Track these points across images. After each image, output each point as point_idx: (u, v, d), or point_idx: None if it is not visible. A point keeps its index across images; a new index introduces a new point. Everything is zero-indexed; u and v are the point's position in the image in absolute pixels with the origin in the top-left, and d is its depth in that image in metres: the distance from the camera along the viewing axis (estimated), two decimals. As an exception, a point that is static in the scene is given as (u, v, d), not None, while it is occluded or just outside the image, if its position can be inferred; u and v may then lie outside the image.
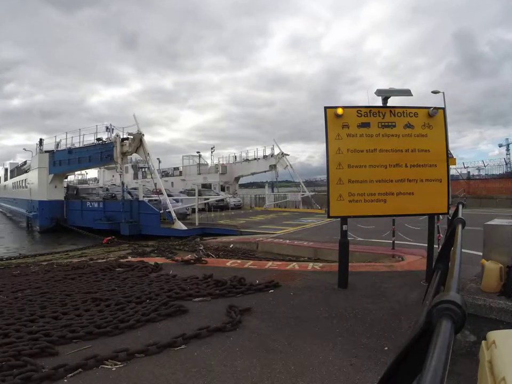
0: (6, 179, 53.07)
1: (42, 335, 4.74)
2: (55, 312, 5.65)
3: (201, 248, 12.40)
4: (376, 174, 6.71)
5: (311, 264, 9.18)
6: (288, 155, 35.37)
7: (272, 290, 6.80)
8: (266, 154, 37.32)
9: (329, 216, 7.01)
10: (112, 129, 23.44)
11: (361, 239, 12.56)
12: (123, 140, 21.84)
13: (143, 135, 21.39)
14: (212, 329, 4.90)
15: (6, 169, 53.02)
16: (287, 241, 12.91)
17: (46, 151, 27.29)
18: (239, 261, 9.79)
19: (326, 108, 6.76)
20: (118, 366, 3.98)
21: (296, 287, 6.98)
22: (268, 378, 3.68)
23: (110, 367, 3.97)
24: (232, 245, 13.01)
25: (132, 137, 21.55)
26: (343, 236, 7.00)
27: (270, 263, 9.38)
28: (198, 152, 44.77)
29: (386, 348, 4.32)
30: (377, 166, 6.72)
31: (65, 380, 3.72)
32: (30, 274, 8.64)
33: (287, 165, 34.57)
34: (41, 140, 27.95)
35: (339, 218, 7.09)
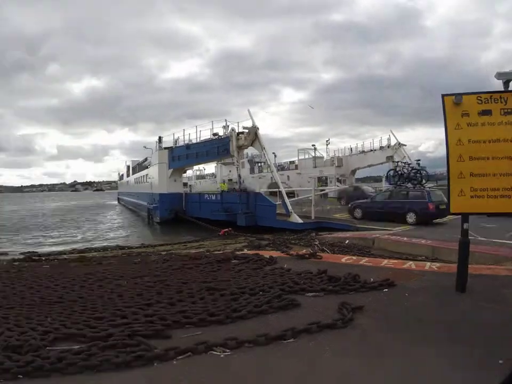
0: (128, 175, 60.51)
1: (158, 319, 5.13)
2: (171, 298, 6.09)
3: (316, 243, 12.39)
4: (500, 166, 6.05)
5: (428, 264, 8.79)
6: (405, 145, 34.06)
7: (386, 290, 6.61)
8: (383, 145, 36.07)
9: (450, 213, 6.67)
10: (228, 125, 24.73)
11: (483, 238, 11.43)
12: (238, 134, 22.79)
13: (258, 128, 22.13)
14: (322, 325, 4.85)
15: (128, 166, 60.39)
16: (405, 238, 12.37)
17: (165, 148, 30.08)
18: (354, 257, 9.69)
19: (443, 95, 6.33)
20: (226, 353, 4.14)
21: (411, 288, 6.71)
22: (372, 381, 3.60)
23: (218, 353, 4.14)
24: (347, 241, 12.85)
25: (247, 131, 22.40)
26: (463, 234, 6.44)
27: (385, 260, 9.17)
28: (313, 145, 45.32)
29: (501, 361, 3.85)
30: (501, 157, 6.06)
31: (175, 362, 3.98)
32: (149, 262, 9.46)
33: (404, 156, 33.03)
34: (160, 138, 31.06)
35: (459, 215, 6.56)
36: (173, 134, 30.42)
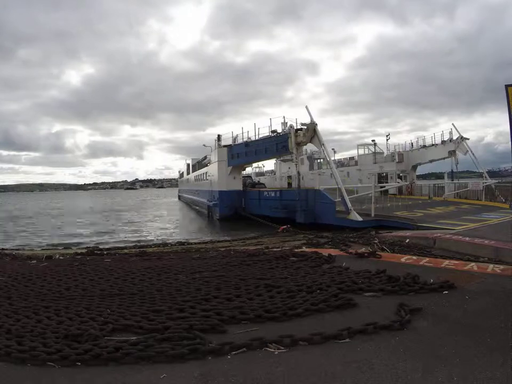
0: (188, 173, 63.45)
1: (214, 314, 5.26)
2: (228, 294, 6.21)
3: (376, 241, 12.14)
4: None
5: (491, 266, 8.32)
6: (468, 139, 32.15)
7: (446, 292, 6.37)
8: (444, 139, 34.52)
9: None
10: (286, 122, 24.84)
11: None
12: (297, 130, 22.72)
13: (317, 124, 22.01)
14: (379, 326, 4.78)
15: (188, 164, 63.34)
16: (467, 238, 11.72)
17: (224, 146, 30.73)
18: (414, 257, 9.45)
19: (507, 86, 5.87)
20: (280, 350, 4.17)
21: (472, 291, 6.40)
22: (427, 385, 3.52)
23: (273, 350, 4.17)
24: (408, 240, 12.42)
25: (305, 127, 22.31)
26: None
27: (446, 261, 8.84)
28: (373, 140, 44.24)
29: None
30: None
31: (229, 356, 4.05)
32: (208, 258, 9.65)
33: (467, 151, 31.27)
34: (219, 136, 31.76)
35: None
36: (231, 132, 31.26)
